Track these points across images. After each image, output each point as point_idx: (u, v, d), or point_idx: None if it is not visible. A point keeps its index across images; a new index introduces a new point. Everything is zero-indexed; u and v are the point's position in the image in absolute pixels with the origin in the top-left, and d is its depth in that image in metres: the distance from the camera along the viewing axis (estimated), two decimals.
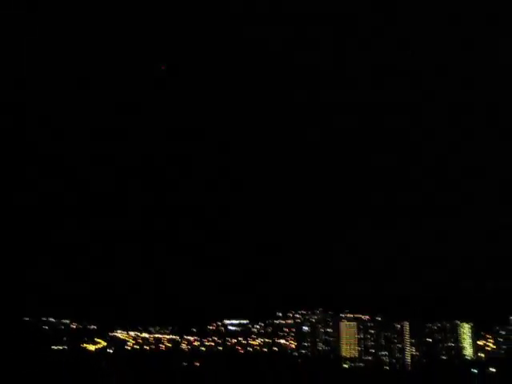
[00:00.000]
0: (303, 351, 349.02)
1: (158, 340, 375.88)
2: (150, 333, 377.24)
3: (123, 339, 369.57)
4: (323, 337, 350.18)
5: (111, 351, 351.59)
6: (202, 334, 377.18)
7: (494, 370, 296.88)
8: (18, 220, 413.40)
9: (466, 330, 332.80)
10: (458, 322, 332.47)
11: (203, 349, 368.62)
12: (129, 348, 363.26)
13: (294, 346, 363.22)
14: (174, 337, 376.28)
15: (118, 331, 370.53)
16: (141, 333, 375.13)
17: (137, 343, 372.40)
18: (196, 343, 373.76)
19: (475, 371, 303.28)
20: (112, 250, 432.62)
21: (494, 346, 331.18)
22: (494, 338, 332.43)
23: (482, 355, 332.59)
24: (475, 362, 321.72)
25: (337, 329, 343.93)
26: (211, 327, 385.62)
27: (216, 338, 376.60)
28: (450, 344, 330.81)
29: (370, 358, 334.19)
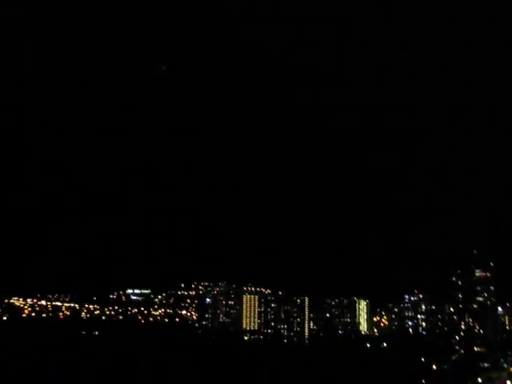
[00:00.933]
0: (204, 322, 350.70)
1: (57, 308, 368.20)
2: (48, 300, 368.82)
3: (19, 306, 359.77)
4: (225, 309, 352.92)
5: (5, 318, 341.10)
6: (103, 303, 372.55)
7: (385, 344, 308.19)
8: None
9: (362, 306, 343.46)
10: (356, 299, 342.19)
11: (104, 318, 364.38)
12: (25, 316, 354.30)
13: (195, 318, 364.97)
14: (73, 305, 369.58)
15: (15, 298, 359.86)
16: (39, 300, 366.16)
17: (34, 311, 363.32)
18: (96, 312, 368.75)
19: (369, 345, 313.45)
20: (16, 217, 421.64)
21: (387, 323, 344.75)
22: (387, 315, 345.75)
23: (376, 330, 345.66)
24: (370, 337, 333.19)
25: (239, 302, 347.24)
26: (113, 296, 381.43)
27: (117, 307, 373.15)
28: (346, 319, 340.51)
29: (269, 331, 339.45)
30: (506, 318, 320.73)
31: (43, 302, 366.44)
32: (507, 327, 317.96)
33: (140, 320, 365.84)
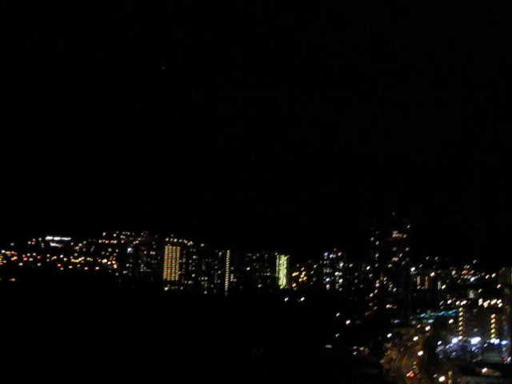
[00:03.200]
0: (125, 272, 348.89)
1: None
2: None
3: None
4: (146, 259, 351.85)
5: None
6: (21, 249, 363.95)
7: (303, 299, 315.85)
8: None
9: (282, 261, 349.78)
10: (276, 254, 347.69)
11: (21, 264, 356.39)
12: None
13: (116, 267, 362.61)
14: None
15: None
16: None
17: None
18: (13, 258, 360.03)
19: (286, 299, 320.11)
20: None
21: (306, 278, 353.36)
22: (306, 271, 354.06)
23: (294, 285, 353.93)
24: (288, 291, 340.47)
25: (160, 252, 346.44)
26: (31, 242, 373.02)
27: (35, 254, 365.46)
28: (266, 274, 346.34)
29: (190, 282, 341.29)
30: (418, 278, 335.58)
31: None
32: (418, 287, 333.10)
33: (59, 267, 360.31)
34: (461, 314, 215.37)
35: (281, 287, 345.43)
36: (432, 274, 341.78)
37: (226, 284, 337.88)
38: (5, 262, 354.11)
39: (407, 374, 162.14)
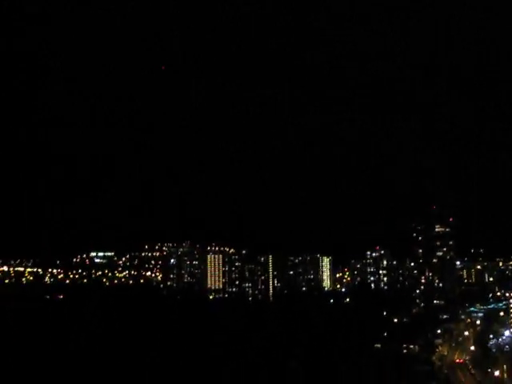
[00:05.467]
0: (169, 283, 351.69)
1: (20, 273, 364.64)
2: (10, 266, 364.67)
3: None
4: (189, 269, 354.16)
5: None
6: (67, 267, 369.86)
7: (348, 300, 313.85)
8: None
9: (325, 263, 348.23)
10: (319, 256, 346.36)
11: (67, 281, 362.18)
12: None
13: (160, 279, 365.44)
14: (36, 269, 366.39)
15: None
16: (0, 266, 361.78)
17: None
18: (60, 276, 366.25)
19: (332, 301, 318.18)
20: None
21: (349, 279, 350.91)
22: (350, 271, 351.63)
23: (339, 286, 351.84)
24: (333, 292, 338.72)
25: (203, 262, 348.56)
26: (76, 259, 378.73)
27: (81, 271, 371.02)
28: (310, 276, 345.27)
29: (234, 289, 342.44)
30: (464, 271, 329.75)
31: (5, 268, 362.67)
32: (465, 281, 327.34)
33: (104, 283, 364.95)
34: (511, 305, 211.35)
35: (325, 289, 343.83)
36: (479, 267, 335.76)
37: (271, 289, 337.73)
38: (52, 280, 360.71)
39: (456, 360, 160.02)
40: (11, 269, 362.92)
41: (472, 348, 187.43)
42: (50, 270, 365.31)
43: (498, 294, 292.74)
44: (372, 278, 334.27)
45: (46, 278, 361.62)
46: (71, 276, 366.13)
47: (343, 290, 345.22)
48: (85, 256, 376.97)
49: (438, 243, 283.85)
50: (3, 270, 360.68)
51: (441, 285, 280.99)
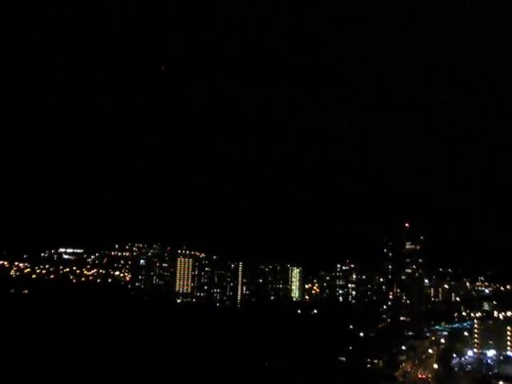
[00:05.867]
0: (137, 284, 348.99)
1: None
2: None
3: None
4: (159, 271, 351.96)
5: None
6: (34, 261, 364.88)
7: (316, 311, 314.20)
8: None
9: (295, 273, 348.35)
10: (289, 266, 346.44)
11: (34, 276, 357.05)
12: None
13: (128, 279, 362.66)
14: (2, 262, 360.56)
15: None
16: None
17: None
18: (27, 270, 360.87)
19: (299, 312, 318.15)
20: None
21: (318, 290, 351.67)
22: (319, 283, 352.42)
23: (307, 297, 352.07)
24: (301, 303, 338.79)
25: (173, 264, 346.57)
26: (44, 254, 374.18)
27: (48, 266, 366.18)
28: (279, 286, 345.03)
29: (202, 294, 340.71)
30: (432, 289, 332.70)
31: None
32: (432, 299, 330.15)
33: (72, 279, 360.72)
34: (476, 326, 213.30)
35: (294, 299, 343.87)
36: (446, 286, 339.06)
37: (239, 296, 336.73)
38: (18, 273, 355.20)
39: (419, 376, 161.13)
40: None
41: (435, 366, 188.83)
42: (16, 263, 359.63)
43: (464, 313, 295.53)
44: (341, 291, 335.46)
45: (12, 272, 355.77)
46: (38, 271, 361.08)
47: (312, 301, 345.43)
48: (53, 251, 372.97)
49: (408, 260, 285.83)
50: None
51: (408, 301, 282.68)
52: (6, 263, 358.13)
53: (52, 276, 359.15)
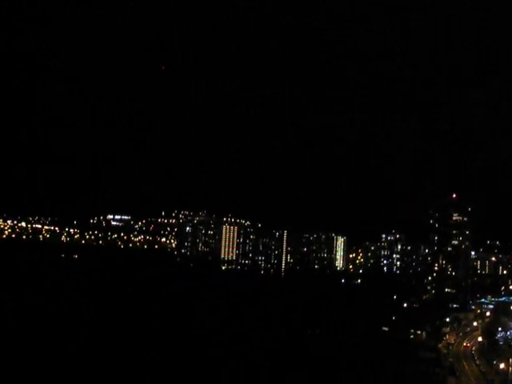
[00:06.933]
0: (183, 251, 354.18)
1: (37, 230, 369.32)
2: (28, 222, 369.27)
3: None
4: (204, 238, 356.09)
5: None
6: (83, 227, 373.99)
7: (359, 281, 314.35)
8: None
9: (339, 242, 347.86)
10: (333, 235, 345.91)
11: (83, 242, 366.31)
12: (4, 237, 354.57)
13: (174, 246, 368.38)
14: (53, 228, 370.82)
15: None
16: (19, 222, 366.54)
17: (14, 232, 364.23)
18: (76, 236, 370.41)
19: (343, 281, 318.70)
20: None
21: (363, 260, 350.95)
22: (363, 253, 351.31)
23: (351, 267, 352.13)
24: (345, 272, 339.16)
25: (218, 232, 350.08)
26: (93, 221, 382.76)
27: (97, 232, 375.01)
28: (323, 255, 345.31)
29: (247, 261, 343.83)
30: (478, 262, 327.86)
31: (23, 224, 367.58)
32: (478, 271, 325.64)
33: (119, 245, 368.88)
34: None
35: (338, 269, 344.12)
36: (493, 259, 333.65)
37: (283, 264, 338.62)
38: (68, 239, 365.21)
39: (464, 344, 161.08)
40: (29, 225, 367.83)
41: (479, 339, 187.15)
42: (66, 229, 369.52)
43: (511, 287, 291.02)
44: (385, 262, 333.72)
45: (63, 237, 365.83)
46: (87, 237, 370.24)
47: (356, 270, 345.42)
48: (102, 218, 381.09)
49: (455, 232, 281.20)
50: (21, 226, 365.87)
51: (453, 273, 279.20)
52: (57, 229, 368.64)
53: (100, 242, 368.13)
